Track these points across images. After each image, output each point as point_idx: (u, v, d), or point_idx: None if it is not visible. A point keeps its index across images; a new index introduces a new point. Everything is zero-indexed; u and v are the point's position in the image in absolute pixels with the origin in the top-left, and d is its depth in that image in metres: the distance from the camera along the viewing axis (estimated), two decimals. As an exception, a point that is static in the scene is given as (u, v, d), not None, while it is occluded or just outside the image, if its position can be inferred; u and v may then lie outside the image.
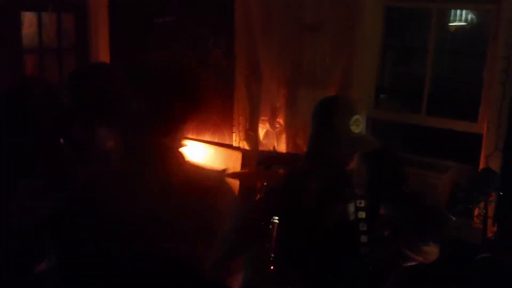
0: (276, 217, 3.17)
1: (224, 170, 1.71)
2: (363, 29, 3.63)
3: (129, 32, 4.31)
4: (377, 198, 2.11)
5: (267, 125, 4.13)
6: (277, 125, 4.06)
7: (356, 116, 1.95)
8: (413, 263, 1.91)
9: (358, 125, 1.95)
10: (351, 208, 2.06)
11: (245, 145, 4.26)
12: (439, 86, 3.90)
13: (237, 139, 4.30)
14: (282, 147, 4.06)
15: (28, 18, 4.03)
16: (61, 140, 3.07)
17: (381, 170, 2.09)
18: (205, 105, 4.25)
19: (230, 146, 4.34)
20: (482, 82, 3.41)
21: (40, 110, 3.09)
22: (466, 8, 4.18)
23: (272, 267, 3.12)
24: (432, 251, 1.88)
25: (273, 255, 3.13)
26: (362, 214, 2.07)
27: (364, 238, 2.07)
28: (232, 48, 4.15)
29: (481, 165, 3.28)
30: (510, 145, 3.22)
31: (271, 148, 4.16)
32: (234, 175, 3.78)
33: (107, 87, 1.90)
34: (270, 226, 3.16)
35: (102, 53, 4.20)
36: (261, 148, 4.20)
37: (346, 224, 2.07)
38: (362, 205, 2.07)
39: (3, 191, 2.79)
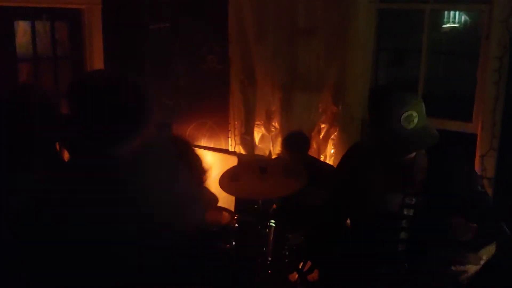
0: (273, 221, 3.18)
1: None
2: (357, 32, 3.65)
3: (124, 40, 4.33)
4: (436, 198, 1.97)
5: (263, 129, 4.14)
6: (273, 129, 4.07)
7: (408, 113, 1.84)
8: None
9: (410, 121, 1.84)
10: (397, 201, 1.99)
11: (241, 150, 4.27)
12: (433, 86, 3.91)
13: (233, 144, 4.31)
14: (278, 151, 4.07)
15: (22, 27, 4.04)
16: (57, 146, 3.07)
17: (438, 167, 1.99)
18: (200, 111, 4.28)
19: (226, 151, 4.34)
20: (476, 82, 3.42)
21: (36, 117, 3.09)
22: (458, 9, 4.20)
23: (269, 271, 3.12)
24: (477, 257, 1.84)
25: (270, 259, 3.13)
26: (410, 211, 2.00)
27: (404, 235, 2.01)
28: (226, 54, 4.16)
29: (477, 165, 3.29)
30: (505, 145, 3.23)
31: (267, 152, 4.17)
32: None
33: (109, 96, 1.89)
34: (267, 230, 3.17)
35: (97, 61, 4.21)
36: (257, 152, 4.20)
37: (389, 217, 2.01)
38: (412, 202, 1.99)
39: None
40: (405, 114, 1.85)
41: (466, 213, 1.91)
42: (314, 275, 3.37)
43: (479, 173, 3.23)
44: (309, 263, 3.33)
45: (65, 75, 4.23)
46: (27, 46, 4.02)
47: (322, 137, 3.86)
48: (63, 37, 4.21)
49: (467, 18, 5.01)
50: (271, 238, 3.16)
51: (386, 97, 1.93)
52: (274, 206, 3.50)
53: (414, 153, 1.98)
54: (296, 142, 3.66)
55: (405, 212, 2.01)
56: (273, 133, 4.08)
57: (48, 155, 3.21)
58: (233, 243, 3.21)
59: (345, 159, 2.27)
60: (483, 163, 3.26)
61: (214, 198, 3.44)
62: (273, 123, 4.07)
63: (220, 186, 3.11)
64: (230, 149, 4.33)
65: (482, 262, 1.84)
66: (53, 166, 3.18)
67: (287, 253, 3.21)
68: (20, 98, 2.95)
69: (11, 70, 3.83)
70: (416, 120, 1.85)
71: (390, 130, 1.87)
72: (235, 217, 3.35)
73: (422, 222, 1.98)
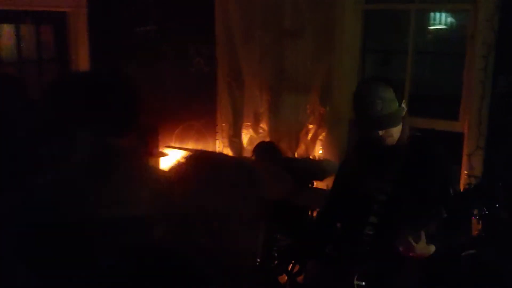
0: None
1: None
2: (343, 33, 3.66)
3: (110, 43, 4.30)
4: (408, 189, 2.07)
5: (251, 130, 4.13)
6: (261, 131, 4.06)
7: (371, 99, 2.01)
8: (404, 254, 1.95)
9: (373, 106, 2.00)
10: (373, 185, 2.12)
11: (229, 152, 4.25)
12: (420, 86, 3.93)
13: (220, 146, 4.29)
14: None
15: (7, 31, 4.00)
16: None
17: (417, 161, 2.09)
18: (188, 113, 4.25)
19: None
20: (462, 82, 3.44)
21: (17, 120, 3.06)
22: (443, 9, 4.23)
23: (258, 273, 3.10)
24: (424, 247, 1.94)
25: (259, 260, 3.11)
26: (383, 196, 2.10)
27: (373, 219, 2.11)
28: (213, 56, 4.15)
29: (464, 164, 3.30)
30: (491, 143, 3.25)
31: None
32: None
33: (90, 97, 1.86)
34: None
35: (83, 64, 4.17)
36: (245, 154, 4.19)
37: (363, 199, 2.13)
38: (386, 188, 2.10)
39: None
40: (369, 100, 2.03)
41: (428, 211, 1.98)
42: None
43: (466, 172, 3.25)
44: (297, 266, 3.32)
45: (50, 78, 4.18)
46: (12, 49, 3.98)
47: (310, 138, 3.86)
48: (48, 40, 4.18)
49: (452, 19, 5.05)
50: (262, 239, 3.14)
51: (360, 87, 2.17)
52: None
53: (391, 141, 2.08)
54: (264, 152, 3.66)
55: (378, 197, 2.11)
56: (262, 134, 4.07)
57: (28, 159, 3.19)
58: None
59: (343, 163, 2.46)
60: (470, 162, 3.28)
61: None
62: (261, 125, 4.06)
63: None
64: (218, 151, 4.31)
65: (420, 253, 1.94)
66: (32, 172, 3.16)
67: (276, 254, 3.20)
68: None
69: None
70: (380, 106, 2.01)
71: (360, 113, 2.10)
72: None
73: (393, 210, 2.07)
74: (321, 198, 3.37)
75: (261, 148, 3.69)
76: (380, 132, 2.04)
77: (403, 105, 2.07)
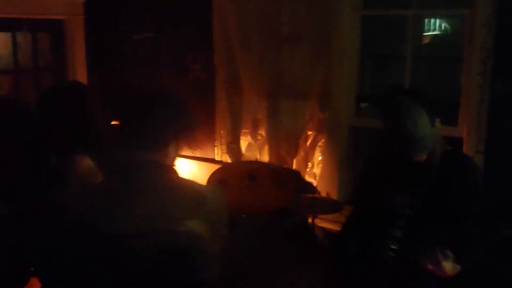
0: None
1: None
2: (340, 39, 3.65)
3: (107, 50, 4.28)
4: (437, 205, 1.97)
5: (249, 137, 4.11)
6: (259, 137, 4.05)
7: (403, 121, 1.90)
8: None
9: (405, 130, 1.89)
10: (400, 198, 2.01)
11: (227, 159, 4.24)
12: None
13: (219, 153, 4.27)
14: (265, 159, 4.04)
15: (3, 39, 3.98)
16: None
17: (448, 177, 1.98)
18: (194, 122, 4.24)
19: (212, 160, 4.30)
20: (460, 87, 3.43)
21: (13, 131, 3.04)
22: (441, 14, 4.24)
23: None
24: (451, 267, 1.86)
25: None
26: (409, 211, 2.00)
27: (397, 233, 2.02)
28: (211, 63, 4.14)
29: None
30: (491, 147, 3.24)
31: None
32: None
33: (79, 106, 1.86)
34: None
35: (79, 72, 4.16)
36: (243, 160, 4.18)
37: (389, 212, 2.04)
38: (414, 203, 1.99)
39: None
40: (400, 122, 1.90)
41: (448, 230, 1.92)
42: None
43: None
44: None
45: (46, 86, 4.16)
46: (8, 57, 3.96)
47: (309, 144, 3.84)
48: (45, 48, 4.16)
49: (449, 24, 5.08)
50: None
51: (389, 101, 2.00)
52: None
53: (423, 157, 1.98)
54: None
55: (404, 211, 2.01)
56: (260, 141, 4.05)
57: (24, 172, 3.16)
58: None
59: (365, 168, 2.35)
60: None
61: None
62: (259, 131, 4.04)
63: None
64: (216, 158, 4.29)
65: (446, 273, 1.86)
66: (29, 185, 3.13)
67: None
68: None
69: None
70: (411, 130, 1.89)
71: (388, 132, 1.97)
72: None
73: (419, 225, 1.98)
74: (321, 206, 3.37)
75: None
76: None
77: (437, 123, 1.95)
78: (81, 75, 4.08)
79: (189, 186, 1.53)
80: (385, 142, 2.06)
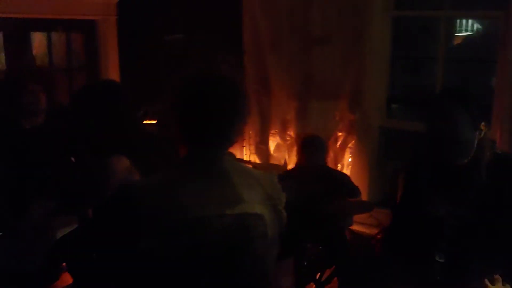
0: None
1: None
2: (371, 40, 3.65)
3: (139, 51, 4.34)
4: (485, 215, 1.85)
5: (278, 138, 4.12)
6: (288, 138, 4.06)
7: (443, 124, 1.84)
8: None
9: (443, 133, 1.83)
10: (446, 207, 1.90)
11: (255, 159, 4.26)
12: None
13: (247, 153, 4.30)
14: (293, 160, 4.04)
15: (38, 38, 4.06)
16: (72, 159, 3.07)
17: (496, 184, 1.85)
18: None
19: (240, 160, 4.32)
20: (493, 89, 3.39)
21: (52, 130, 3.11)
22: (474, 16, 4.18)
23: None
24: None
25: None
26: (454, 222, 1.89)
27: (443, 245, 1.90)
28: (241, 64, 4.16)
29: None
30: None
31: (282, 161, 4.15)
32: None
33: (114, 105, 1.86)
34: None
35: (112, 72, 4.22)
36: (272, 161, 4.19)
37: (433, 223, 1.93)
38: (459, 213, 1.88)
39: (16, 212, 2.79)
40: (439, 125, 1.85)
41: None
42: (332, 285, 3.34)
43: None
44: (326, 273, 3.30)
45: (80, 86, 4.23)
46: (43, 57, 4.04)
47: (339, 145, 3.83)
48: (79, 48, 4.23)
49: (482, 25, 5.00)
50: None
51: (433, 103, 1.94)
52: None
53: (463, 161, 1.90)
54: (313, 143, 3.58)
55: (450, 221, 1.91)
56: (289, 142, 4.06)
57: (63, 170, 3.23)
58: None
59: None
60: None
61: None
62: (288, 132, 4.05)
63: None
64: (245, 158, 4.32)
65: None
66: (67, 181, 3.19)
67: (305, 263, 3.18)
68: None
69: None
70: (451, 134, 1.83)
71: (430, 134, 1.90)
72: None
73: (466, 238, 1.88)
74: (352, 209, 3.36)
75: (309, 139, 3.57)
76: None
77: (482, 126, 1.84)
78: (113, 74, 4.14)
79: (252, 171, 1.58)
80: (425, 145, 1.98)
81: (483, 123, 1.85)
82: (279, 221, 1.51)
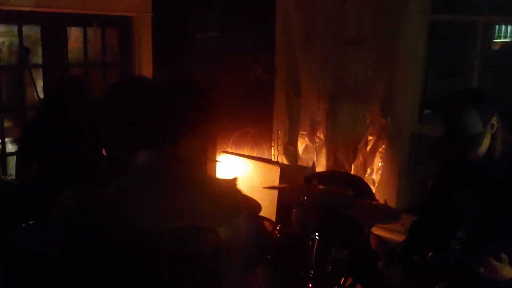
0: (317, 233, 3.12)
1: (235, 179, 1.64)
2: (406, 44, 3.58)
3: (172, 48, 4.38)
4: (500, 206, 1.99)
5: (307, 139, 4.09)
6: (317, 140, 4.02)
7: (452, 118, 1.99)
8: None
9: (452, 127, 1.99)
10: (466, 198, 2.06)
11: (283, 160, 4.24)
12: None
13: (275, 154, 4.28)
14: (322, 162, 4.01)
15: (74, 34, 4.14)
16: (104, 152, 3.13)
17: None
18: (244, 119, 4.29)
19: (268, 161, 4.31)
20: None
21: (85, 124, 3.17)
22: (513, 22, 4.06)
23: (310, 285, 3.06)
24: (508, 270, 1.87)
25: (312, 272, 3.07)
26: (473, 214, 2.03)
27: (461, 234, 2.04)
28: (272, 64, 4.16)
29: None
30: None
31: (311, 163, 4.11)
32: (272, 187, 3.75)
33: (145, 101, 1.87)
34: (310, 242, 3.11)
35: (145, 69, 4.26)
36: (300, 163, 4.16)
37: (453, 214, 2.08)
38: (477, 205, 2.02)
39: (45, 203, 2.86)
40: (449, 119, 2.02)
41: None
42: (356, 291, 3.30)
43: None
44: (350, 279, 3.26)
45: (114, 81, 4.29)
46: (79, 52, 4.11)
47: (369, 149, 3.78)
48: (113, 44, 4.29)
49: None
50: (314, 251, 3.10)
51: (445, 101, 2.11)
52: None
53: (475, 156, 2.03)
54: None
55: (468, 213, 2.03)
56: (317, 144, 4.02)
57: (93, 161, 3.30)
58: (275, 254, 3.16)
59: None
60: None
61: (258, 206, 3.42)
62: (317, 134, 4.02)
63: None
64: (272, 159, 4.31)
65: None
66: (98, 173, 3.26)
67: (329, 267, 3.14)
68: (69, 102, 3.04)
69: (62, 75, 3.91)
70: (459, 127, 1.98)
71: (443, 129, 2.05)
72: (277, 228, 3.31)
73: (483, 227, 1.98)
74: (377, 213, 3.31)
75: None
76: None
77: (494, 121, 1.99)
78: (147, 71, 4.17)
79: (210, 182, 1.49)
80: (442, 142, 2.12)
81: (494, 118, 1.99)
82: (236, 232, 1.41)
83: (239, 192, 1.47)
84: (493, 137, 2.01)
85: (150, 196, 1.32)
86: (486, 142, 2.01)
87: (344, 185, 3.39)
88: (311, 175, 3.68)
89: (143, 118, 1.40)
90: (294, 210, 3.40)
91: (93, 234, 1.27)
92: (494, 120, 2.00)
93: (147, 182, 1.35)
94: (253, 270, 2.88)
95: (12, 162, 3.67)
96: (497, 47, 5.37)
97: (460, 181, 2.11)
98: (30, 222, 2.90)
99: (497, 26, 4.88)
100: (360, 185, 3.59)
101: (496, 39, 5.53)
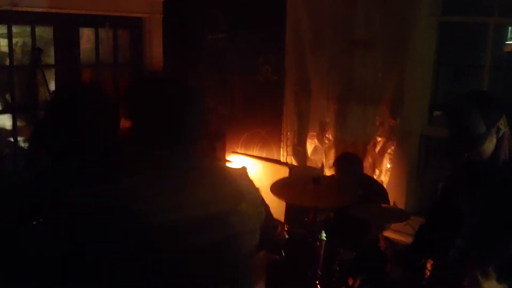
0: (325, 234, 3.13)
1: (244, 168, 1.78)
2: (416, 45, 3.57)
3: (182, 49, 4.41)
4: (499, 214, 1.94)
5: (316, 140, 4.09)
6: (326, 141, 4.02)
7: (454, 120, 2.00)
8: None
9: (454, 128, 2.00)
10: (468, 204, 2.02)
11: (292, 161, 4.24)
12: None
13: (284, 154, 4.29)
14: (330, 164, 4.01)
15: (86, 34, 4.19)
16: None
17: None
18: (254, 120, 4.30)
19: (277, 161, 4.32)
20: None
21: (94, 121, 3.19)
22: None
23: (319, 286, 3.06)
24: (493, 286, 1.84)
25: (320, 273, 3.07)
26: (473, 220, 1.98)
27: (460, 242, 1.99)
28: (282, 65, 4.17)
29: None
30: None
31: (319, 164, 4.12)
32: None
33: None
34: (318, 243, 3.12)
35: (156, 69, 4.29)
36: (309, 164, 4.16)
37: (455, 220, 2.04)
38: (478, 211, 1.97)
39: (53, 200, 2.90)
40: (452, 121, 2.02)
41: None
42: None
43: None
44: (358, 281, 3.26)
45: (125, 81, 4.34)
46: (90, 52, 4.16)
47: (378, 151, 3.77)
48: (125, 44, 4.34)
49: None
50: (322, 251, 3.11)
51: (448, 104, 2.22)
52: (332, 214, 3.47)
53: (479, 159, 2.00)
54: (346, 161, 3.63)
55: (469, 219, 1.99)
56: (327, 145, 4.02)
57: (101, 159, 3.32)
58: (283, 254, 3.18)
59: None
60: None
61: (266, 207, 3.43)
62: (326, 135, 4.01)
63: (271, 191, 3.07)
64: (281, 160, 4.31)
65: None
66: (106, 171, 3.28)
67: (337, 268, 3.15)
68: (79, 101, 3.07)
69: (74, 75, 3.96)
70: (460, 129, 1.98)
71: (449, 134, 2.05)
72: (285, 228, 3.32)
73: (481, 235, 1.94)
74: (384, 214, 3.31)
75: (344, 158, 3.67)
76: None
77: (500, 125, 1.96)
78: (157, 71, 4.21)
79: (224, 169, 1.61)
80: (446, 143, 2.14)
81: (501, 122, 1.96)
82: (257, 215, 1.53)
83: (249, 179, 1.56)
84: (499, 142, 1.97)
85: (176, 189, 1.39)
86: (489, 145, 1.97)
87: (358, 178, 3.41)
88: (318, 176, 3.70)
89: (176, 117, 1.45)
90: None
91: (121, 224, 1.32)
92: (501, 124, 1.96)
93: (173, 176, 1.41)
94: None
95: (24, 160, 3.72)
96: (509, 49, 5.32)
97: (464, 186, 2.08)
98: (41, 220, 2.93)
99: (510, 28, 4.84)
100: (373, 184, 3.60)
101: (509, 41, 5.49)
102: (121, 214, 1.32)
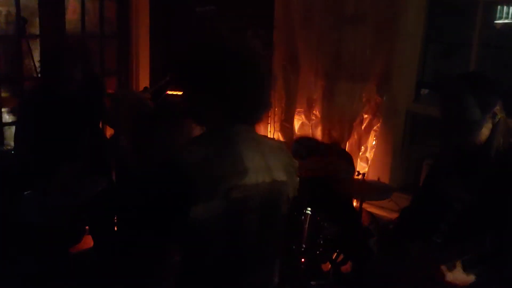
0: (309, 208, 3.16)
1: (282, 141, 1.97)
2: (405, 22, 3.56)
3: (170, 21, 4.35)
4: (485, 202, 1.87)
5: (303, 117, 4.10)
6: (313, 117, 4.02)
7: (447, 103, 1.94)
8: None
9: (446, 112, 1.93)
10: (455, 190, 1.96)
11: (279, 137, 4.25)
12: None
13: (271, 130, 4.29)
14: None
15: (72, 5, 4.11)
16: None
17: (503, 171, 1.87)
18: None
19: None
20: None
21: (83, 97, 3.17)
22: (514, 2, 4.02)
23: (303, 259, 3.11)
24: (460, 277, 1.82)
25: (304, 246, 3.11)
26: (459, 206, 1.94)
27: (443, 227, 1.95)
28: (271, 39, 4.13)
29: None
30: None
31: (307, 140, 4.13)
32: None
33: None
34: (303, 217, 3.15)
35: (143, 41, 4.26)
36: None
37: (440, 205, 2.00)
38: (464, 197, 1.92)
39: (44, 173, 2.89)
40: (445, 104, 1.95)
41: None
42: (348, 266, 3.35)
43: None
44: (341, 256, 3.31)
45: (111, 53, 4.29)
46: (76, 23, 4.10)
47: (364, 127, 3.78)
48: (111, 16, 4.27)
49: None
50: (306, 225, 3.14)
51: (443, 85, 2.06)
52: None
53: (472, 146, 1.93)
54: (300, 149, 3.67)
55: (455, 205, 1.95)
56: (314, 121, 4.03)
57: (92, 133, 3.31)
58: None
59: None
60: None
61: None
62: (314, 111, 4.02)
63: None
64: (269, 136, 4.31)
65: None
66: (95, 145, 3.28)
67: (321, 242, 3.19)
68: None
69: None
70: (454, 113, 1.90)
71: (443, 118, 1.97)
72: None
73: (465, 222, 1.90)
74: (369, 189, 3.34)
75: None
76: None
77: (496, 111, 1.87)
78: (144, 44, 4.18)
79: (268, 140, 1.74)
80: (439, 127, 2.03)
81: (497, 108, 1.88)
82: (294, 186, 1.66)
83: (289, 153, 1.71)
84: (494, 128, 1.89)
85: (243, 157, 1.50)
86: (485, 131, 1.89)
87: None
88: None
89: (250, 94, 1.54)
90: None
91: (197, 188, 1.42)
92: (497, 110, 1.88)
93: (240, 146, 1.51)
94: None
95: (9, 132, 3.69)
96: (498, 28, 5.31)
97: (453, 170, 2.01)
98: (29, 191, 2.93)
99: (499, 7, 4.83)
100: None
101: (498, 20, 5.48)
102: (197, 178, 1.41)
